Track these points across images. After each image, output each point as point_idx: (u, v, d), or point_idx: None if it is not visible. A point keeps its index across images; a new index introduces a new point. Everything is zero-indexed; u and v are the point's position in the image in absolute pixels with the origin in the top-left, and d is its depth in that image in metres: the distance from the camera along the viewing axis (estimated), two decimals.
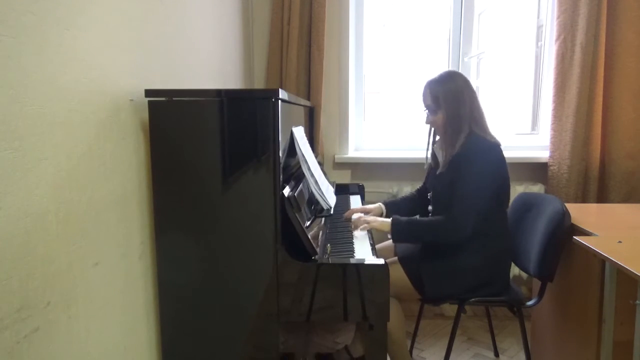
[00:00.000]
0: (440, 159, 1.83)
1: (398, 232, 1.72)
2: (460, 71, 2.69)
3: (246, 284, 1.37)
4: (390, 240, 2.07)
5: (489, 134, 1.76)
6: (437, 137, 1.90)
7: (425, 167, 1.97)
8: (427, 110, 1.81)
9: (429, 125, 1.89)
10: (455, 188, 1.68)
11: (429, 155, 1.94)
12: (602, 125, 2.48)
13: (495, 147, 1.73)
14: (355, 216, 1.90)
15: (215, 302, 1.39)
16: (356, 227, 1.80)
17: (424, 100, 1.80)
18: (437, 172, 1.83)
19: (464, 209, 1.65)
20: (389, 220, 1.75)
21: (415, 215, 1.97)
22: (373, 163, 2.72)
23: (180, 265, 1.38)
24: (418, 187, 2.11)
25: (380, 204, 2.01)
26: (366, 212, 1.97)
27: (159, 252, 1.39)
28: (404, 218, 1.75)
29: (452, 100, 1.73)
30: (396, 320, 1.70)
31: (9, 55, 0.83)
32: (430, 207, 1.89)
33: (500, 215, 1.79)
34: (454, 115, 1.73)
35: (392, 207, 2.00)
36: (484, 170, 1.68)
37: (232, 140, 1.32)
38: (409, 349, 2.23)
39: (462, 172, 1.68)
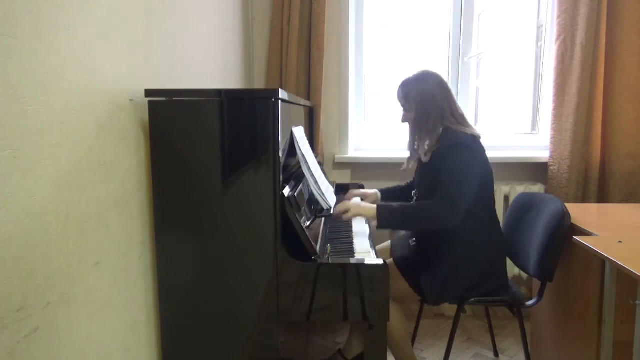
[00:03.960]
0: (422, 156, 1.84)
1: (383, 217, 1.69)
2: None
3: (246, 284, 1.37)
4: (387, 243, 2.08)
5: (468, 127, 1.77)
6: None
7: (402, 168, 1.97)
8: (402, 109, 1.86)
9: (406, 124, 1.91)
10: (440, 179, 1.68)
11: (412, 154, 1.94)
12: (602, 125, 2.48)
13: (474, 139, 1.74)
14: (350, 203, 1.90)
15: (215, 302, 1.39)
16: (340, 213, 1.74)
17: (399, 100, 1.85)
18: (421, 168, 1.85)
19: (449, 194, 1.65)
20: (374, 205, 1.73)
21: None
22: (373, 163, 2.72)
23: (180, 265, 1.38)
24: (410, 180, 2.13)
25: (376, 190, 2.07)
26: (364, 197, 2.02)
27: (159, 252, 1.39)
28: (390, 203, 1.75)
29: (421, 99, 1.76)
30: (397, 322, 1.70)
31: (9, 55, 0.83)
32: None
33: (487, 209, 1.79)
34: (424, 114, 1.76)
35: (387, 195, 2.05)
36: (464, 158, 1.68)
37: (232, 140, 1.32)
38: None
39: (445, 164, 1.68)
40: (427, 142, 1.77)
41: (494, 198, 1.84)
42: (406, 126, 1.90)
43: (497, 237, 1.82)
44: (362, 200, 2.01)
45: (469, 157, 1.69)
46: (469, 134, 1.74)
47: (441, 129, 1.76)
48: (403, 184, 2.15)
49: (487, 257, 1.76)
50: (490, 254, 1.77)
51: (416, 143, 1.84)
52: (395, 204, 1.73)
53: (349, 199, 1.96)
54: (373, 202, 1.95)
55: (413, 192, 1.94)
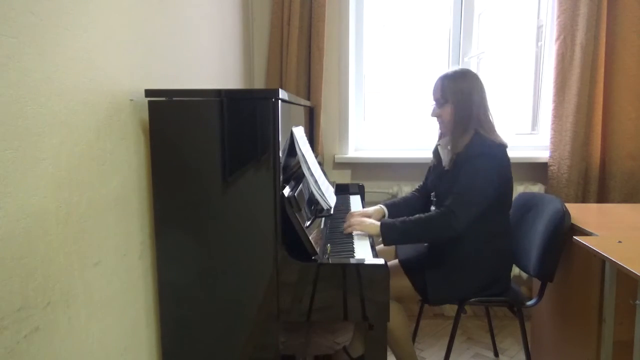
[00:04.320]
0: (444, 157, 1.83)
1: (388, 235, 1.67)
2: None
3: (246, 284, 1.37)
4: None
5: (496, 134, 1.76)
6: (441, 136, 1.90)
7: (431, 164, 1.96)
8: (435, 103, 1.81)
9: (436, 123, 1.88)
10: (456, 184, 1.68)
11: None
12: (602, 125, 2.48)
13: (500, 148, 1.73)
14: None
15: (215, 302, 1.39)
16: (346, 228, 1.76)
17: (434, 93, 1.80)
18: (442, 170, 1.83)
19: (458, 202, 1.64)
20: (378, 223, 1.70)
21: (416, 215, 1.96)
22: (373, 163, 2.72)
23: (180, 265, 1.38)
24: (418, 186, 2.11)
25: (381, 206, 1.96)
26: (366, 216, 1.89)
27: (159, 252, 1.38)
28: (393, 220, 1.71)
29: (461, 98, 1.73)
30: (399, 322, 1.70)
31: (9, 55, 0.83)
32: (433, 208, 1.88)
33: (503, 216, 1.79)
34: (461, 113, 1.73)
35: (393, 209, 1.95)
36: (487, 169, 1.67)
37: (232, 140, 1.32)
38: None
39: (464, 170, 1.68)
40: (457, 142, 1.74)
41: (510, 206, 1.82)
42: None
43: (507, 244, 1.82)
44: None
45: (490, 167, 1.67)
46: (497, 142, 1.72)
47: (473, 131, 1.73)
48: (409, 194, 2.10)
49: (495, 263, 1.76)
50: (498, 260, 1.77)
51: (445, 146, 1.81)
52: (398, 221, 1.68)
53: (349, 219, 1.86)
54: (379, 219, 1.84)
55: (432, 194, 1.90)
